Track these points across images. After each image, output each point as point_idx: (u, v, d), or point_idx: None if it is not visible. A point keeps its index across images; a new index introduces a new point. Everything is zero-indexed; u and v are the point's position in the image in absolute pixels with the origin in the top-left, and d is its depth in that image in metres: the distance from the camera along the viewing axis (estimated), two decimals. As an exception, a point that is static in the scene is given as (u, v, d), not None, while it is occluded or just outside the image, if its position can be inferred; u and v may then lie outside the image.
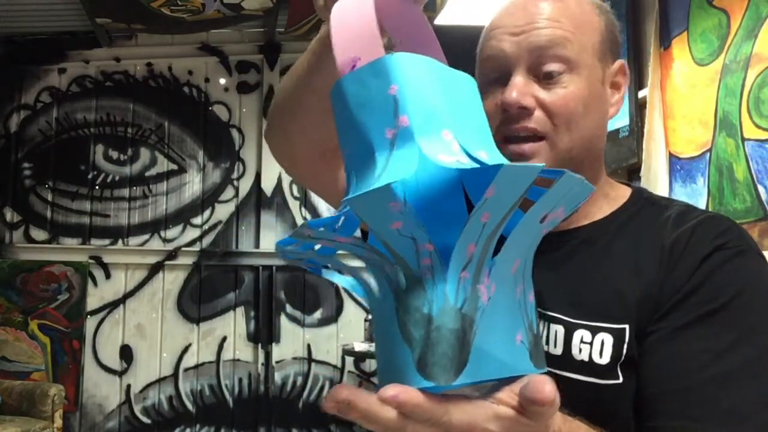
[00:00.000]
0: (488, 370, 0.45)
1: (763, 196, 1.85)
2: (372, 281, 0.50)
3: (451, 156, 0.45)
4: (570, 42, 0.74)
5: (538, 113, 0.74)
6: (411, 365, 0.44)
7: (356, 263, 0.52)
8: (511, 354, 0.46)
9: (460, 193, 0.51)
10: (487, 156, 0.47)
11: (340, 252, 0.51)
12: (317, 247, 0.50)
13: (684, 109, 2.24)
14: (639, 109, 2.47)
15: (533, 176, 0.43)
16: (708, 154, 2.09)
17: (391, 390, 0.42)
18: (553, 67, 0.74)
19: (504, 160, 0.48)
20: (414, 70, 0.48)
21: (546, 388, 0.43)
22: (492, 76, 0.77)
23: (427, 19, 0.62)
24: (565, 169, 0.45)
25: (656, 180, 2.31)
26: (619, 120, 2.52)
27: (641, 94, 2.45)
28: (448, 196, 0.46)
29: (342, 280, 0.54)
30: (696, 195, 2.14)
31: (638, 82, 2.49)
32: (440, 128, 0.46)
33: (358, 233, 0.53)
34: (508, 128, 0.74)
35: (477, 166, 0.44)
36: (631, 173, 2.57)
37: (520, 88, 0.73)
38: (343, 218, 0.47)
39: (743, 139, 1.92)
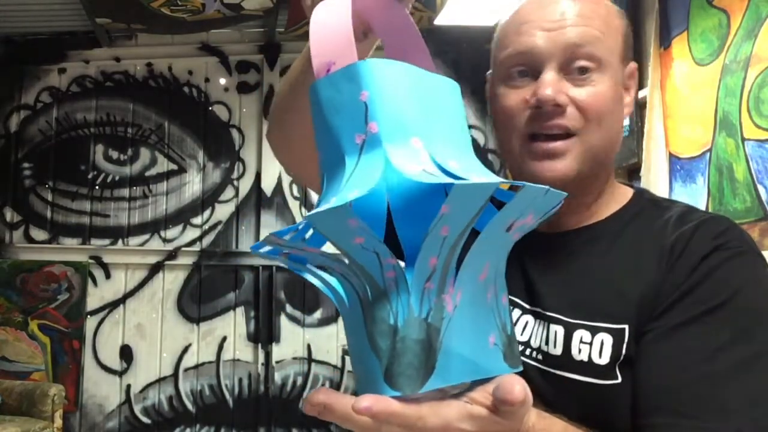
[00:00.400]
0: (458, 374, 0.46)
1: (763, 196, 1.85)
2: (341, 292, 0.51)
3: (419, 165, 0.45)
4: (600, 42, 0.74)
5: (570, 110, 0.74)
6: (379, 375, 0.45)
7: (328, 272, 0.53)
8: (484, 356, 0.48)
9: (442, 193, 0.52)
10: (458, 165, 0.47)
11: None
12: (286, 252, 0.51)
13: (684, 109, 2.24)
14: (639, 109, 2.47)
15: (487, 194, 0.44)
16: (708, 154, 2.09)
17: (364, 401, 0.43)
18: (584, 64, 0.74)
19: (476, 169, 0.48)
20: (386, 77, 0.48)
21: (516, 388, 0.45)
22: (518, 70, 0.76)
23: (413, 21, 0.62)
24: (526, 182, 0.46)
25: (656, 180, 2.31)
26: (619, 120, 2.52)
27: (641, 94, 2.45)
28: (426, 198, 0.46)
29: (320, 286, 0.55)
30: (696, 195, 2.14)
31: (638, 82, 2.49)
32: (409, 136, 0.47)
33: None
34: (538, 125, 0.74)
35: (436, 181, 0.44)
36: (631, 173, 2.57)
37: (554, 85, 0.73)
38: (311, 230, 0.48)
39: (743, 139, 1.92)
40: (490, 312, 0.49)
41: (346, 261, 0.47)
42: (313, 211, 0.43)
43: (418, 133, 0.47)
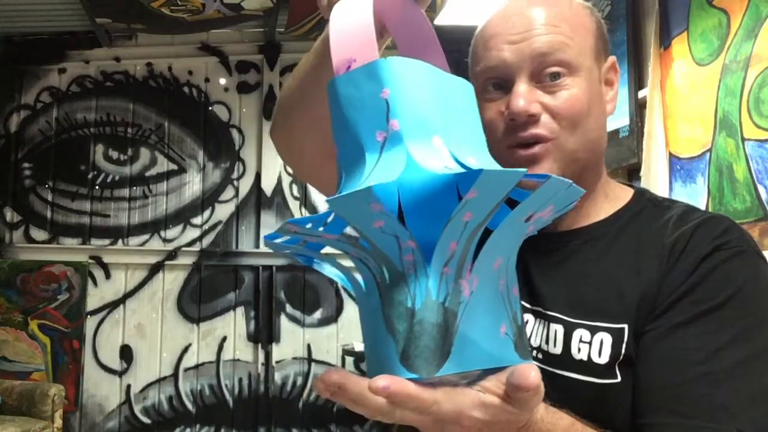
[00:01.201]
0: (472, 360, 0.46)
1: (763, 196, 1.85)
2: (358, 275, 0.51)
3: (440, 162, 0.46)
4: (569, 46, 0.74)
5: (544, 117, 0.74)
6: (395, 357, 0.45)
7: (344, 258, 0.53)
8: (496, 345, 0.48)
9: (454, 193, 0.52)
10: (476, 162, 0.47)
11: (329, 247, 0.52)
12: (302, 242, 0.51)
13: (684, 109, 2.24)
14: (639, 109, 2.47)
15: (514, 182, 0.44)
16: (708, 154, 2.09)
17: (381, 381, 0.43)
18: (555, 70, 0.74)
19: (494, 166, 0.49)
20: (407, 75, 0.48)
21: (531, 374, 0.44)
22: (491, 83, 0.77)
23: (429, 21, 0.63)
24: (550, 174, 0.46)
25: (656, 180, 2.31)
26: (619, 120, 2.52)
27: (641, 94, 2.45)
28: (440, 196, 0.47)
29: (331, 273, 0.55)
30: (696, 195, 2.14)
31: (638, 82, 2.49)
32: (430, 134, 0.47)
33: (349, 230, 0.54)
34: (515, 136, 0.74)
35: (461, 170, 0.45)
36: (631, 173, 2.57)
37: (526, 96, 0.73)
38: (332, 216, 0.49)
39: (743, 139, 1.93)
40: (502, 301, 0.49)
41: (365, 244, 0.47)
42: (335, 196, 0.43)
43: (439, 131, 0.48)
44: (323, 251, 0.54)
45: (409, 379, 0.44)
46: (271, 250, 4.10)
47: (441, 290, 0.45)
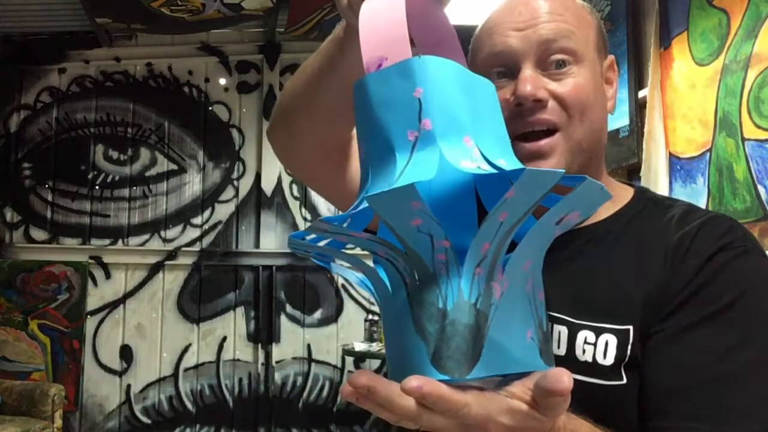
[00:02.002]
0: (501, 364, 0.45)
1: (763, 196, 1.85)
2: (383, 276, 0.50)
3: (473, 162, 0.46)
4: (574, 35, 0.75)
5: (551, 104, 0.74)
6: (425, 358, 0.44)
7: (365, 258, 0.52)
8: (523, 350, 0.47)
9: (473, 197, 0.52)
10: (507, 164, 0.47)
11: (348, 247, 0.51)
12: (327, 240, 0.50)
13: (684, 109, 2.24)
14: (639, 109, 2.47)
15: (554, 181, 0.44)
16: (708, 154, 2.09)
17: (414, 381, 0.42)
18: (560, 57, 0.74)
19: (521, 167, 0.48)
20: (440, 75, 0.48)
21: (565, 378, 0.43)
22: (496, 72, 0.76)
23: (450, 21, 0.62)
24: (586, 176, 0.46)
25: (656, 180, 2.31)
26: (619, 120, 2.52)
27: (641, 94, 2.45)
28: (462, 200, 0.46)
29: (350, 275, 0.54)
30: (696, 195, 2.14)
31: (638, 82, 2.49)
32: (462, 134, 0.47)
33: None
34: (522, 122, 0.74)
35: (494, 171, 0.44)
36: (631, 173, 2.57)
37: (533, 81, 0.73)
38: (350, 216, 0.48)
39: (743, 139, 1.93)
40: (529, 306, 0.49)
41: (396, 243, 0.46)
42: (376, 192, 0.43)
43: (470, 132, 0.47)
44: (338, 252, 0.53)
45: (440, 381, 0.43)
46: (271, 250, 4.05)
47: (473, 291, 0.45)
